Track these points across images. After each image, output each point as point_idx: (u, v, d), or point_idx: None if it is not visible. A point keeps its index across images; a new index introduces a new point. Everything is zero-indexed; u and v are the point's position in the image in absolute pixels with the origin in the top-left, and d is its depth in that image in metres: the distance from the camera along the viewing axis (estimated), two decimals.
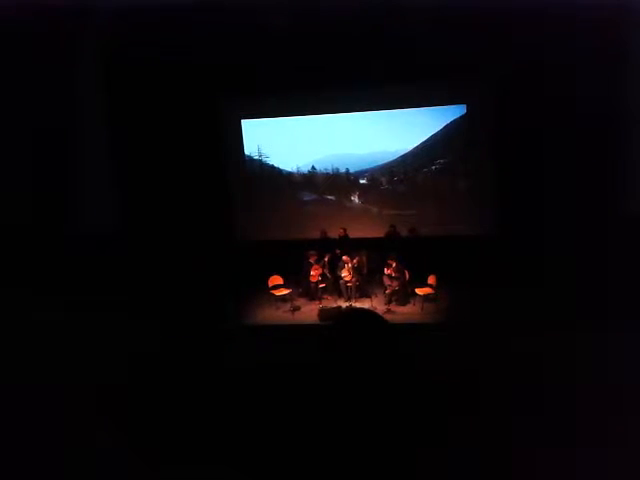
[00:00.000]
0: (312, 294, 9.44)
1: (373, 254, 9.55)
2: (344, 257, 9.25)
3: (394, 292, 8.99)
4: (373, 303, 8.97)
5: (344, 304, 9.08)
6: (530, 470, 1.57)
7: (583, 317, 5.15)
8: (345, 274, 9.21)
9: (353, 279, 9.18)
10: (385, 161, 10.84)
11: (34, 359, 2.37)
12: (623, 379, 1.84)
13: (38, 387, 2.06)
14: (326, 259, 9.45)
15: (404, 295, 9.05)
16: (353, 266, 9.15)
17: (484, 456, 1.59)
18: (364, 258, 9.48)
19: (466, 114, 10.26)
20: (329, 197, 11.19)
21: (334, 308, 8.82)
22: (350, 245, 9.74)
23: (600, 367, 1.94)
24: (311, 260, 9.42)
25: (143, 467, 1.67)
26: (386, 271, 9.06)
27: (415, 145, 10.64)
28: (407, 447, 1.52)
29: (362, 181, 11.04)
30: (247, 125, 11.09)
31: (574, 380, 1.87)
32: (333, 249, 9.70)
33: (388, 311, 8.68)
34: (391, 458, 1.50)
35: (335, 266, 9.41)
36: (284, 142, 10.99)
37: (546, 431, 1.65)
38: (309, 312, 9.00)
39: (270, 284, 9.41)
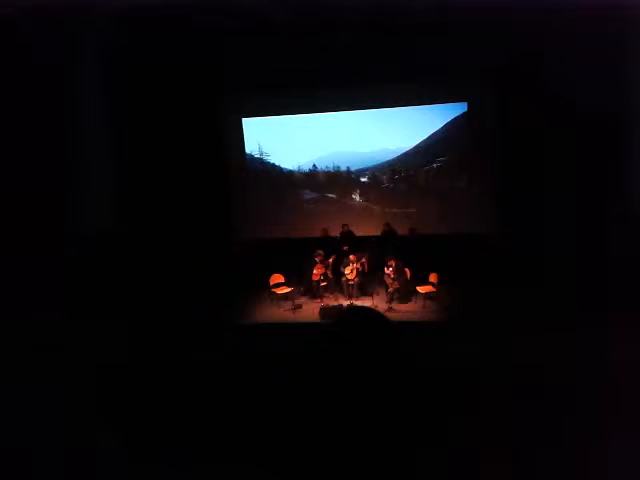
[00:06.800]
0: (314, 292, 9.44)
1: (374, 252, 9.54)
2: (351, 256, 9.22)
3: (396, 290, 8.98)
4: (374, 301, 8.97)
5: (346, 302, 9.07)
6: (530, 470, 1.56)
7: (584, 317, 5.14)
8: (348, 272, 9.19)
9: (356, 279, 9.18)
10: (386, 159, 10.83)
11: (34, 359, 2.37)
12: (623, 378, 1.83)
13: (38, 387, 2.06)
14: (330, 260, 9.44)
15: (405, 293, 9.04)
16: (357, 268, 9.14)
17: (484, 456, 1.58)
18: (366, 257, 9.47)
19: (467, 112, 10.24)
20: (330, 195, 11.19)
21: (336, 306, 8.82)
22: (356, 242, 9.74)
23: (600, 366, 1.93)
24: (317, 259, 9.41)
25: (143, 467, 1.67)
26: (386, 270, 9.05)
27: (416, 143, 10.63)
28: (407, 446, 1.52)
29: (363, 179, 11.03)
30: (248, 124, 11.09)
31: (574, 379, 1.87)
32: (339, 247, 9.68)
33: (390, 309, 8.68)
34: (391, 457, 1.49)
35: (340, 262, 9.39)
36: (285, 140, 10.99)
37: (546, 430, 1.65)
38: (310, 310, 8.99)
39: (271, 282, 9.42)
